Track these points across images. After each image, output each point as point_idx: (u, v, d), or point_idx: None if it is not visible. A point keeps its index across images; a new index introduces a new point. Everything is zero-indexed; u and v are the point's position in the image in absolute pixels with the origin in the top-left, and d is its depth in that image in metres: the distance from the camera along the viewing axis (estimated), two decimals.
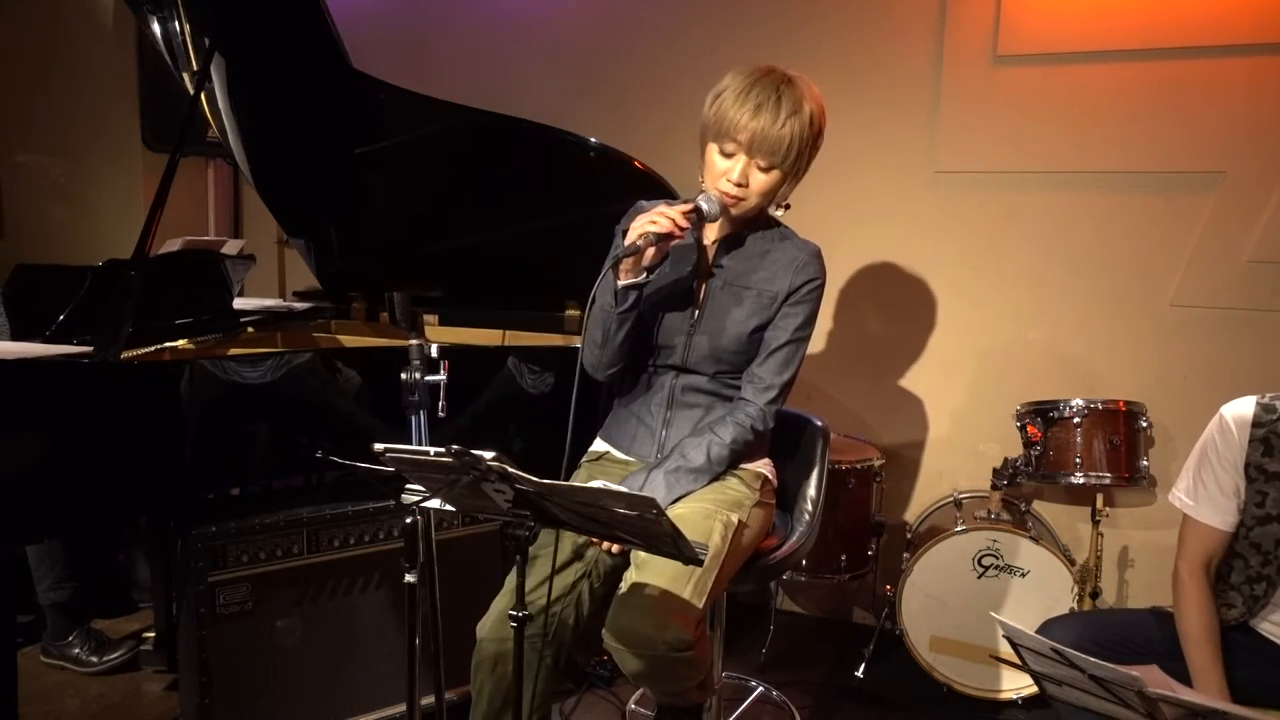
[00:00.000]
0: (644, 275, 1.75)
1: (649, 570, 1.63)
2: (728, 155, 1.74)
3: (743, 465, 1.89)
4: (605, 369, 1.89)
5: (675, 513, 1.74)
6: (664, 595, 1.60)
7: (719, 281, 1.86)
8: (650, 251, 1.71)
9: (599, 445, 2.00)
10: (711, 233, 1.89)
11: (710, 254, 1.89)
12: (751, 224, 1.87)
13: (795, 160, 1.73)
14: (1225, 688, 1.67)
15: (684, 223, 1.69)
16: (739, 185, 1.74)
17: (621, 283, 1.75)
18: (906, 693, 2.73)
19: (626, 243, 1.69)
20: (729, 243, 1.87)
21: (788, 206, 1.85)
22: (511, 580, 1.67)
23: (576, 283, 2.16)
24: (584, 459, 2.01)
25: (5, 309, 2.73)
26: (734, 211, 1.78)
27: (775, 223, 1.91)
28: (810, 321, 1.85)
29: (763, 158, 1.72)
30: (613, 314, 1.79)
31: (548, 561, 1.78)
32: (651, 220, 1.67)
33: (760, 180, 1.74)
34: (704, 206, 1.72)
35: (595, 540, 1.75)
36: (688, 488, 1.78)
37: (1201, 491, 1.78)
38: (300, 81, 2.44)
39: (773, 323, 1.83)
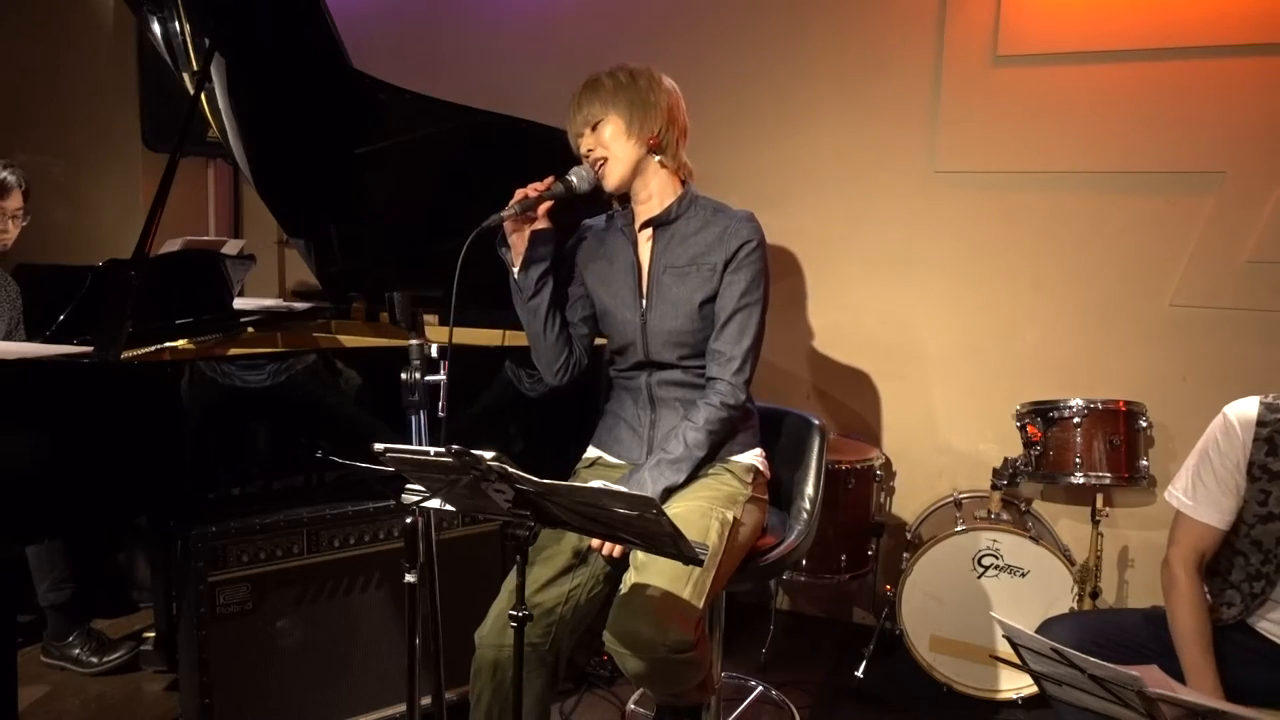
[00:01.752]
0: (530, 259, 1.86)
1: (648, 572, 1.63)
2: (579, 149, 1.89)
3: (734, 457, 1.90)
4: (549, 367, 1.96)
5: (670, 512, 1.73)
6: (664, 597, 1.60)
7: (659, 267, 1.89)
8: (524, 234, 1.84)
9: (591, 452, 2.02)
10: (639, 220, 1.92)
11: (645, 244, 1.92)
12: (679, 206, 1.89)
13: (612, 103, 1.82)
14: (1219, 685, 1.67)
15: (542, 186, 1.81)
16: (589, 152, 1.85)
17: (515, 269, 1.86)
18: (906, 693, 2.73)
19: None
20: (660, 229, 1.90)
21: (656, 146, 1.85)
22: (508, 584, 1.67)
23: None
24: (578, 466, 2.03)
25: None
26: (610, 180, 1.85)
27: (706, 200, 1.92)
28: (757, 285, 1.85)
29: (586, 124, 1.85)
30: (523, 304, 1.89)
31: (547, 565, 1.78)
32: (516, 194, 1.80)
33: (603, 134, 1.84)
34: (571, 178, 1.83)
35: (595, 546, 1.76)
36: (672, 478, 1.78)
37: (1201, 490, 1.77)
38: (300, 81, 2.43)
39: (719, 293, 1.85)
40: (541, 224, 1.87)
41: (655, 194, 1.89)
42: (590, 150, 1.85)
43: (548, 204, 1.84)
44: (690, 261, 1.86)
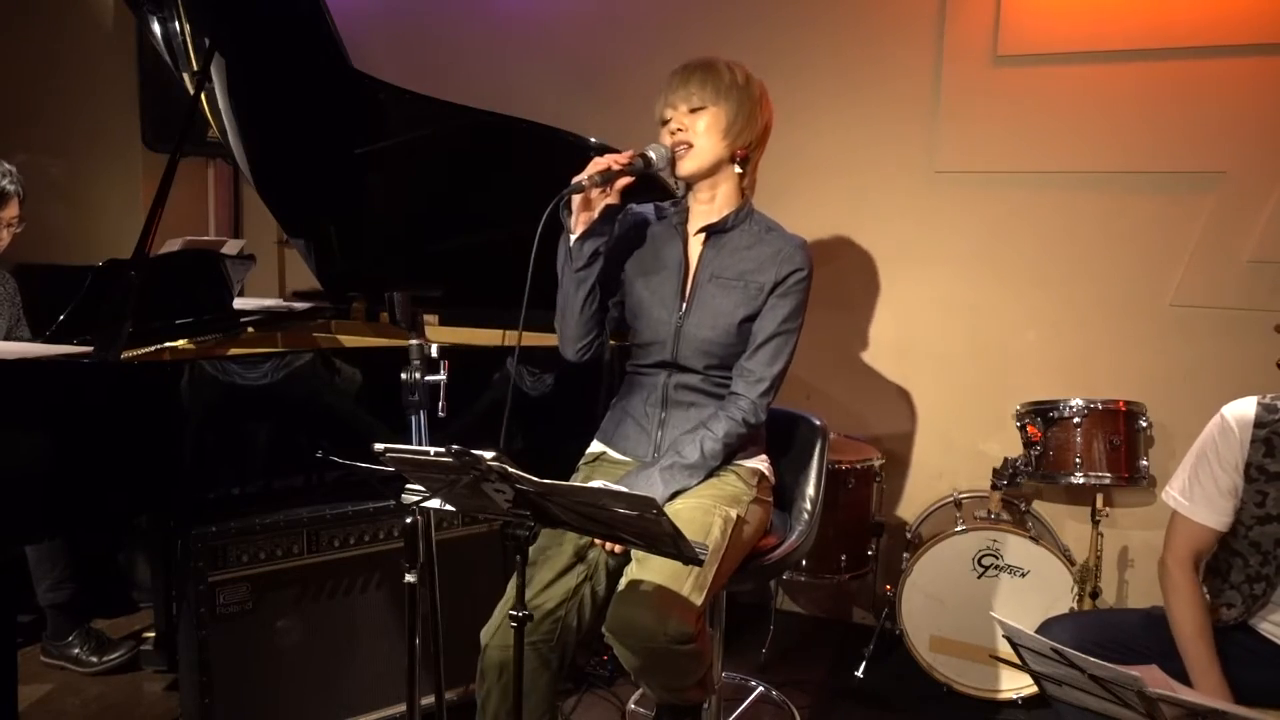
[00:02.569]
0: (591, 230, 1.82)
1: (649, 566, 1.64)
2: (667, 121, 1.85)
3: (740, 462, 1.90)
4: (573, 343, 1.93)
5: (674, 509, 1.74)
6: (664, 590, 1.60)
7: (705, 274, 1.88)
8: (597, 205, 1.79)
9: (596, 446, 2.01)
10: (695, 224, 1.91)
11: (696, 248, 1.91)
12: (736, 217, 1.89)
13: (723, 97, 1.80)
14: (1224, 682, 1.67)
15: (624, 160, 1.78)
16: (679, 131, 1.82)
17: (574, 236, 1.82)
18: (906, 693, 2.73)
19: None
20: (715, 237, 1.89)
21: (743, 157, 1.86)
22: (514, 584, 1.67)
23: None
24: (581, 461, 2.02)
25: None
26: (685, 166, 1.83)
27: (760, 216, 1.93)
28: (798, 313, 1.86)
29: (687, 104, 1.81)
30: (569, 272, 1.85)
31: (549, 565, 1.78)
32: (594, 163, 1.76)
33: (699, 122, 1.81)
34: (650, 154, 1.80)
35: (597, 541, 1.75)
36: (683, 483, 1.79)
37: (1198, 491, 1.77)
38: (300, 81, 2.43)
39: (760, 314, 1.85)
40: (613, 199, 1.82)
41: (718, 199, 1.89)
42: (678, 129, 1.82)
43: (626, 180, 1.81)
44: (738, 276, 1.85)
